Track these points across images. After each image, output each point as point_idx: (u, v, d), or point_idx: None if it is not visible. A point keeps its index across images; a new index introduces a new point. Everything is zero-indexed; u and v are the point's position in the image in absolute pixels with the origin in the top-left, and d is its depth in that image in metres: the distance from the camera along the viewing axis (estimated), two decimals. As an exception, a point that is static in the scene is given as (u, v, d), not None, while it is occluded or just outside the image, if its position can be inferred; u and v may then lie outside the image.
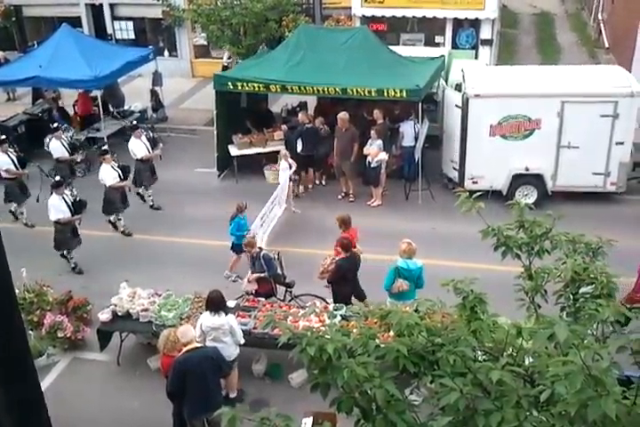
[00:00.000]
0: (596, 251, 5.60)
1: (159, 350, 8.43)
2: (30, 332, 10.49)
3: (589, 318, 4.80)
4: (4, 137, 14.46)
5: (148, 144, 14.92)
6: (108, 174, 13.65)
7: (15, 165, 14.19)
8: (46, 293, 10.96)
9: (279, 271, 10.64)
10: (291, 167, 14.34)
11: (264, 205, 12.92)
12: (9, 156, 14.16)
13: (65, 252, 12.74)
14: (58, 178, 12.98)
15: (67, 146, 15.42)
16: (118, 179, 13.75)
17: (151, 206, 15.02)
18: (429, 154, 15.62)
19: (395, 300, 9.61)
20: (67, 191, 12.72)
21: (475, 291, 4.86)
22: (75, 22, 22.55)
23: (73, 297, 10.99)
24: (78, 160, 16.63)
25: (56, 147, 15.21)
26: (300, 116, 15.79)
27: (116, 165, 13.96)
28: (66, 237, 12.51)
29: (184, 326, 8.59)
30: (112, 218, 14.07)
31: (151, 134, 16.48)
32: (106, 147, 14.68)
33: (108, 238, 13.86)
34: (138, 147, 14.71)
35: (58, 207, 12.28)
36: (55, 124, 16.03)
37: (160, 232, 13.91)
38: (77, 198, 12.80)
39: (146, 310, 9.93)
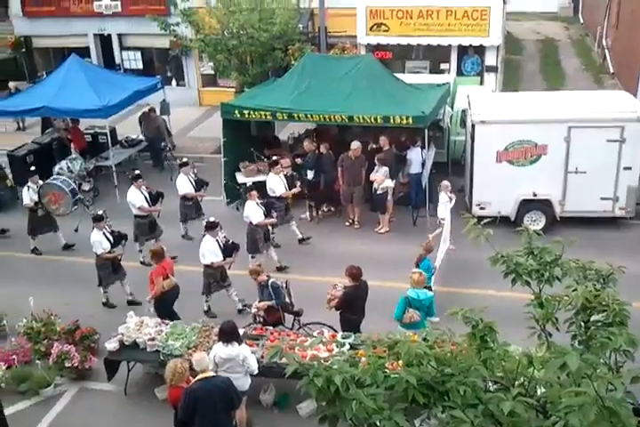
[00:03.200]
0: (607, 278, 5.55)
1: (166, 382, 8.33)
2: (37, 361, 10.47)
3: (601, 347, 4.73)
4: (138, 172, 13.98)
5: (194, 182, 14.48)
6: (138, 198, 13.51)
7: (148, 202, 13.70)
8: (54, 322, 10.94)
9: (287, 300, 10.57)
10: (451, 200, 13.48)
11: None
12: (142, 192, 13.65)
13: (104, 287, 12.37)
14: (101, 212, 12.42)
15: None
16: (146, 204, 13.55)
17: (185, 236, 14.85)
18: (436, 180, 15.60)
19: (405, 329, 9.51)
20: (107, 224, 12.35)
21: (484, 320, 4.81)
22: (83, 53, 22.97)
23: (80, 327, 10.94)
24: (86, 189, 16.75)
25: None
26: (306, 144, 15.85)
27: (147, 190, 13.77)
28: (106, 272, 12.17)
29: (198, 353, 8.48)
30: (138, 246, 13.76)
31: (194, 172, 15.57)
32: (138, 171, 14.14)
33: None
34: (184, 184, 14.37)
35: (100, 243, 11.94)
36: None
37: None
38: (117, 231, 12.35)
39: (153, 339, 9.86)
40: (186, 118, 22.52)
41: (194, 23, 19.20)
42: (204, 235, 11.75)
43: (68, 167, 17.14)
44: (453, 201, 13.55)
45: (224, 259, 11.61)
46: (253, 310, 10.64)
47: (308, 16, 21.16)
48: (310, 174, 15.52)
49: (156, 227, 13.91)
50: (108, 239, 12.05)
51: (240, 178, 16.35)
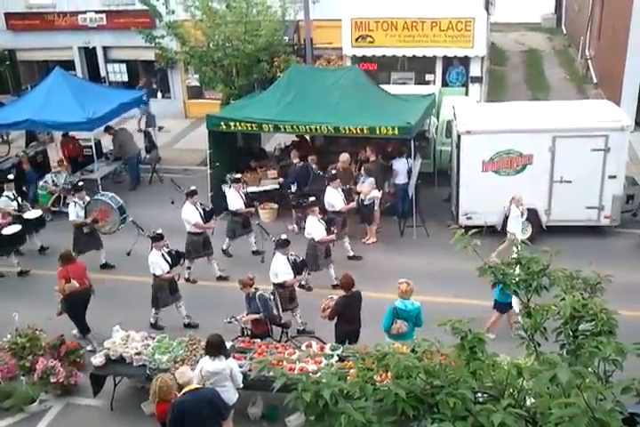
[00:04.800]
0: (595, 287, 5.54)
1: (152, 398, 8.22)
2: (22, 377, 10.32)
3: (590, 356, 4.72)
4: (193, 188, 13.53)
5: (244, 198, 14.23)
6: (193, 214, 13.17)
7: (202, 218, 13.32)
8: (39, 337, 10.80)
9: (275, 312, 10.50)
10: (523, 214, 13.14)
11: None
12: (197, 208, 13.31)
13: (156, 309, 11.89)
14: (160, 231, 11.76)
15: None
16: (200, 220, 13.20)
17: (225, 252, 14.51)
18: (423, 190, 15.66)
19: (393, 340, 9.48)
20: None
21: (473, 330, 4.78)
22: (68, 65, 22.91)
23: (65, 341, 10.82)
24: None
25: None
26: (292, 155, 15.84)
27: (201, 206, 13.45)
28: (165, 294, 11.67)
29: (182, 367, 8.44)
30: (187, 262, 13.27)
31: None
32: (194, 187, 13.57)
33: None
34: (235, 199, 14.10)
35: (158, 264, 11.46)
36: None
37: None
38: (175, 250, 11.93)
39: (139, 353, 9.76)
40: (172, 130, 22.47)
41: (179, 35, 19.21)
42: (274, 253, 11.35)
43: (53, 181, 17.02)
44: (525, 215, 13.24)
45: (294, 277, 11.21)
46: (241, 323, 10.57)
47: (293, 28, 21.21)
48: (294, 187, 15.46)
49: (210, 244, 13.49)
50: (166, 260, 11.56)
51: (227, 190, 16.27)
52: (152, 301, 11.74)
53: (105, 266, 14.15)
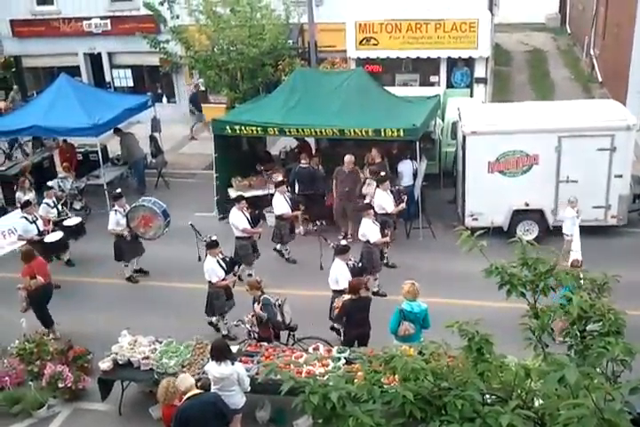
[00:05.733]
0: (602, 287, 5.52)
1: (159, 401, 8.25)
2: (30, 383, 10.34)
3: (598, 357, 4.70)
4: (240, 193, 13.42)
5: (289, 202, 14.16)
6: (241, 220, 13.09)
7: (250, 223, 13.31)
8: (46, 342, 10.82)
9: (279, 318, 10.41)
10: (578, 216, 13.04)
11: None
12: (244, 214, 13.29)
13: (216, 318, 11.73)
14: (215, 238, 11.59)
15: None
16: (248, 225, 13.10)
17: (287, 259, 14.47)
18: (428, 192, 15.63)
19: (400, 342, 9.46)
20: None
21: (480, 332, 4.77)
22: (74, 71, 22.97)
23: (73, 346, 10.83)
24: (77, 208, 16.67)
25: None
26: (302, 158, 15.84)
27: (248, 211, 13.39)
28: (221, 301, 11.49)
29: (182, 374, 8.45)
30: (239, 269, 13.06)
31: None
32: (240, 193, 13.62)
33: (109, 286, 13.79)
34: (281, 203, 14.06)
35: (214, 271, 11.32)
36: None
37: (167, 278, 13.86)
38: (229, 257, 11.91)
39: (147, 358, 9.77)
40: (177, 135, 22.51)
41: (184, 40, 19.26)
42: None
43: (60, 186, 17.06)
44: (580, 217, 13.17)
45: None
46: (247, 326, 10.56)
47: (297, 31, 21.24)
48: (296, 188, 15.48)
49: (257, 249, 13.47)
50: (222, 266, 11.46)
51: (232, 193, 16.32)
52: (207, 308, 11.54)
53: (139, 271, 14.11)
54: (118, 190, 14.58)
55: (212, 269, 11.30)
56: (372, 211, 12.83)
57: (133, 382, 10.08)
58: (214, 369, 8.44)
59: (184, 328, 11.35)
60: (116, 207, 13.73)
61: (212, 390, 8.42)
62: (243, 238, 13.25)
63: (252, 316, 10.33)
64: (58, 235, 13.89)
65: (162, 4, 19.65)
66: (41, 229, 13.75)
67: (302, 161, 15.60)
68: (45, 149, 19.90)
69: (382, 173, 14.34)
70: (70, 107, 16.91)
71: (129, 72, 24.82)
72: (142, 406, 9.93)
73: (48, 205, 14.68)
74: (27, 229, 13.59)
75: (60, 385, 10.17)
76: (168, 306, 12.70)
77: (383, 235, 12.72)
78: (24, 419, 10.02)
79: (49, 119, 16.71)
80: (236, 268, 12.38)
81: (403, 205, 14.03)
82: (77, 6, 23.79)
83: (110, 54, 24.58)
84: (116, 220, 13.58)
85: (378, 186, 13.90)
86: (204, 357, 9.60)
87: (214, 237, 11.56)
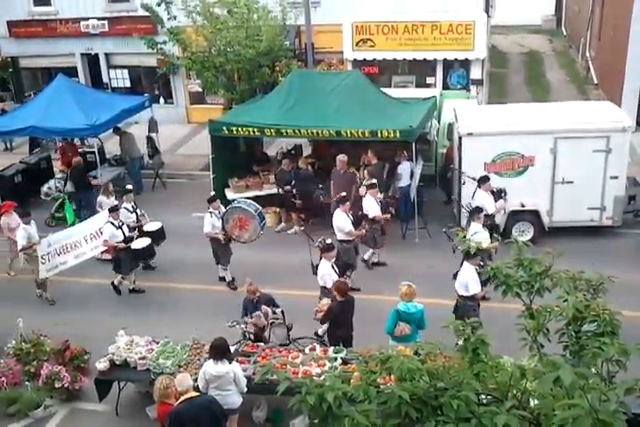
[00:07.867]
0: (597, 287, 5.56)
1: (155, 399, 8.27)
2: (27, 383, 10.34)
3: (593, 357, 4.73)
4: (344, 194, 12.94)
5: (380, 204, 13.66)
6: (346, 222, 12.65)
7: (353, 225, 12.70)
8: (43, 342, 10.82)
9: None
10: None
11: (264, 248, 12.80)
12: (348, 216, 12.75)
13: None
14: (329, 241, 11.21)
15: None
16: (353, 228, 12.69)
17: (375, 263, 14.10)
18: (424, 193, 15.67)
19: (396, 342, 9.49)
20: None
21: (475, 332, 4.80)
22: (71, 72, 23.01)
23: (70, 346, 10.84)
24: (74, 208, 16.64)
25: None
26: (301, 161, 15.90)
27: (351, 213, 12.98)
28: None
29: (180, 374, 8.45)
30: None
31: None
32: (344, 193, 13.04)
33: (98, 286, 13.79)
34: (373, 206, 13.47)
35: (330, 275, 10.76)
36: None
37: (160, 278, 13.87)
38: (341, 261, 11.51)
39: (143, 358, 9.78)
40: (174, 136, 22.52)
41: (181, 41, 19.27)
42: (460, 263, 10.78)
43: (57, 187, 17.07)
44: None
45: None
46: (242, 326, 10.56)
47: (294, 33, 21.27)
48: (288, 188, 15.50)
49: (359, 251, 13.20)
50: (335, 271, 10.98)
51: (229, 194, 16.34)
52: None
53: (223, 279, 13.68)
54: (129, 186, 14.48)
55: (328, 274, 10.76)
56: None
57: (130, 382, 10.08)
58: (211, 367, 8.46)
59: (181, 328, 11.37)
60: (211, 209, 13.25)
61: (208, 391, 8.43)
62: (346, 242, 12.70)
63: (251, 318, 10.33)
64: (145, 241, 13.37)
65: (159, 4, 19.66)
66: (127, 234, 13.29)
67: (301, 164, 15.63)
68: (42, 149, 19.88)
69: (374, 181, 14.23)
70: (68, 107, 16.93)
71: (126, 73, 24.86)
72: (139, 407, 9.93)
73: (127, 209, 14.07)
74: (113, 234, 13.08)
75: (57, 385, 10.17)
76: (166, 306, 12.71)
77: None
78: (20, 419, 10.02)
79: (46, 120, 16.71)
80: (348, 272, 12.04)
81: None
82: (75, 7, 23.84)
83: (107, 55, 24.61)
84: (210, 222, 13.12)
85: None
86: (201, 357, 9.62)
87: (329, 241, 11.12)
